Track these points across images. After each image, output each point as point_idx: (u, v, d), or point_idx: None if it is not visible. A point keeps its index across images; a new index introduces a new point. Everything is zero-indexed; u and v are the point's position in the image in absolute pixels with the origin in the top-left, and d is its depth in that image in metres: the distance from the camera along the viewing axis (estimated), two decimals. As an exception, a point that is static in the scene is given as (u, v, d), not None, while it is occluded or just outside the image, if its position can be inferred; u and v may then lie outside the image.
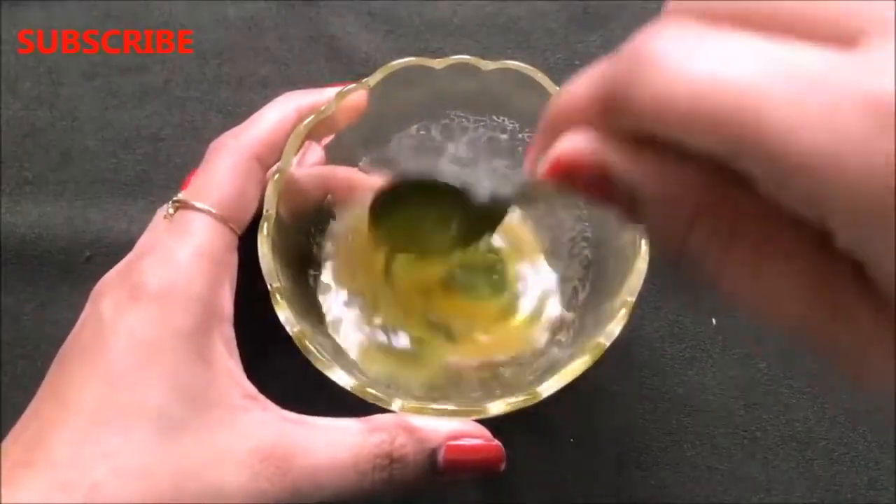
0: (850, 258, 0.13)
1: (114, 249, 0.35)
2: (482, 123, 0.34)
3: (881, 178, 0.12)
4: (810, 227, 0.13)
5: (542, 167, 0.16)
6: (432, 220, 0.28)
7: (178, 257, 0.27)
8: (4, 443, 0.24)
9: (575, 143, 0.16)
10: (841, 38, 0.13)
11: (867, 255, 0.13)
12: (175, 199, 0.29)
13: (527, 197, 0.26)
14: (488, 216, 0.26)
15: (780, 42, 0.13)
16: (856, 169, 0.12)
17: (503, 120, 0.34)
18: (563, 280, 0.33)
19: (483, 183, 0.25)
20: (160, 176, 0.39)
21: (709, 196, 0.15)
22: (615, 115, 0.15)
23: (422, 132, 0.34)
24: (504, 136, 0.34)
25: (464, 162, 0.35)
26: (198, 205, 0.28)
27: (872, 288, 0.14)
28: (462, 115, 0.34)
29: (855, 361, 0.15)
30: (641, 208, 0.15)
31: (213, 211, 0.28)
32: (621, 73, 0.14)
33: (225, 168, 0.29)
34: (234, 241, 0.29)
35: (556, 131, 0.16)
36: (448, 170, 0.33)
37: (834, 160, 0.12)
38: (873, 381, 0.15)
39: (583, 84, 0.16)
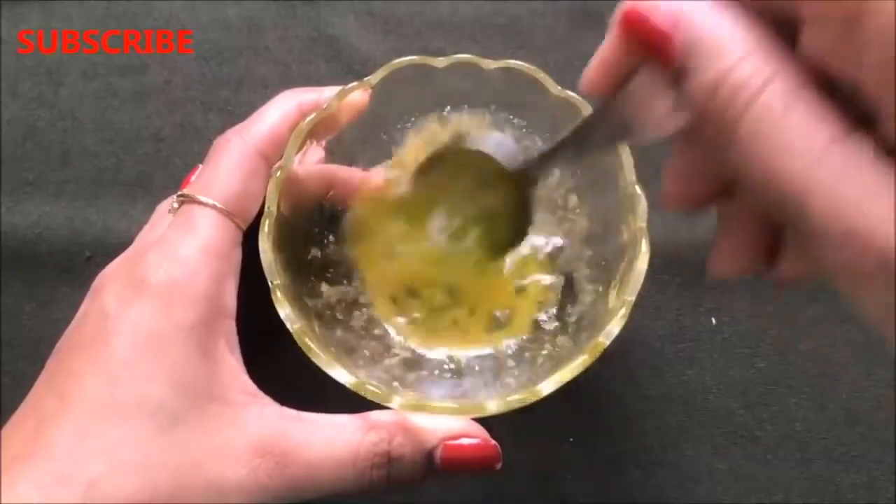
0: None
1: (114, 250, 0.35)
2: (482, 122, 0.34)
3: None
4: None
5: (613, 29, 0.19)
6: (470, 182, 0.31)
7: (182, 252, 0.27)
8: (3, 435, 0.24)
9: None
10: None
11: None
12: (180, 193, 0.29)
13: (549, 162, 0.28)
14: (521, 180, 0.29)
15: None
16: None
17: (504, 118, 0.34)
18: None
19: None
20: (160, 176, 0.39)
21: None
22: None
23: (423, 131, 0.34)
24: (505, 134, 0.34)
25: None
26: (203, 199, 0.28)
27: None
28: (463, 114, 0.34)
29: None
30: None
31: (218, 206, 0.28)
32: None
33: (229, 164, 0.29)
34: (239, 237, 0.29)
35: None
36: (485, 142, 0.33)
37: None
38: None
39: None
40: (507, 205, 0.31)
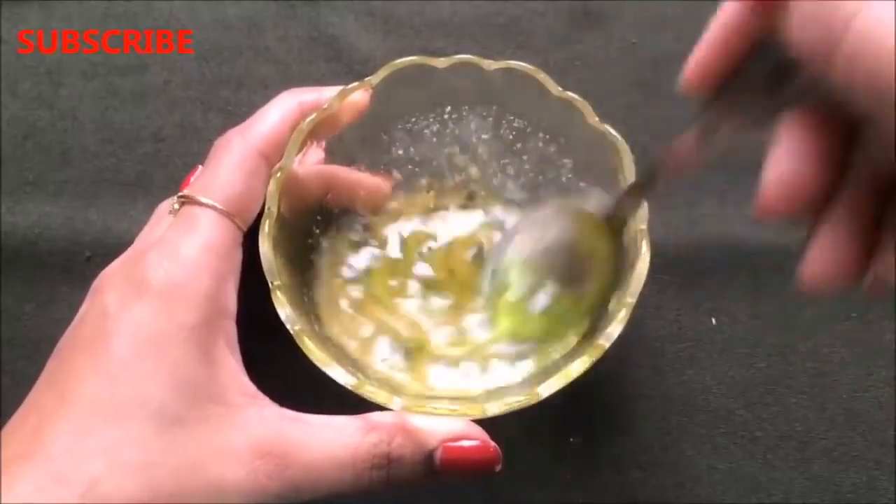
0: None
1: (114, 250, 0.35)
2: (483, 122, 0.34)
3: None
4: None
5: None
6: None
7: (183, 252, 0.27)
8: (3, 434, 0.24)
9: None
10: None
11: None
12: (180, 194, 0.29)
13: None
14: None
15: None
16: None
17: (504, 119, 0.34)
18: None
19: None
20: (160, 176, 0.39)
21: None
22: None
23: (424, 131, 0.34)
24: (507, 135, 0.34)
25: (472, 159, 0.35)
26: (203, 200, 0.28)
27: None
28: (463, 114, 0.34)
29: None
30: None
31: (219, 206, 0.28)
32: None
33: (230, 164, 0.29)
34: (239, 237, 0.29)
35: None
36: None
37: None
38: None
39: None
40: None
